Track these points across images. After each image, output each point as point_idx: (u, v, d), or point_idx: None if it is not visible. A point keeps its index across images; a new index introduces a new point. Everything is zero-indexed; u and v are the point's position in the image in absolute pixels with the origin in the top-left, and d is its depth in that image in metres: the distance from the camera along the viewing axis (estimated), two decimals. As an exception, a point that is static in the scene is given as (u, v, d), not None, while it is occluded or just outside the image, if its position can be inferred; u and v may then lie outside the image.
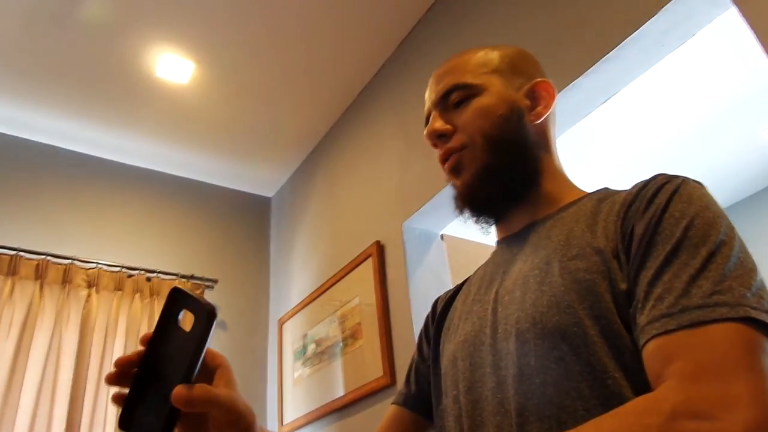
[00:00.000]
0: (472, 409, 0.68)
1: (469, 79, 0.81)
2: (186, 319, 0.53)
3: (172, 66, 2.56)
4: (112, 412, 2.41)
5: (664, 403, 0.48)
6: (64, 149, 2.98)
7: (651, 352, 0.53)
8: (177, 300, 0.53)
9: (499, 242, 0.86)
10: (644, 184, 0.66)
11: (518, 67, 0.84)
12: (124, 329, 2.61)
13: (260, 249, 3.36)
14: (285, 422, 2.68)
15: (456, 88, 0.81)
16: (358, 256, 2.43)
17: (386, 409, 0.89)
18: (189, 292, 0.53)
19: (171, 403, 0.48)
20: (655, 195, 0.63)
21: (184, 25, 2.38)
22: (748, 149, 3.43)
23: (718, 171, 3.51)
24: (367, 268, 2.34)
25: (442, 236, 2.33)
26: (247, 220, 3.40)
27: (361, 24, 2.44)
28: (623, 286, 0.60)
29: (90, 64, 2.51)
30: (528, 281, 0.69)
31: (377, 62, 2.64)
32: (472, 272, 0.91)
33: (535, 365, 0.62)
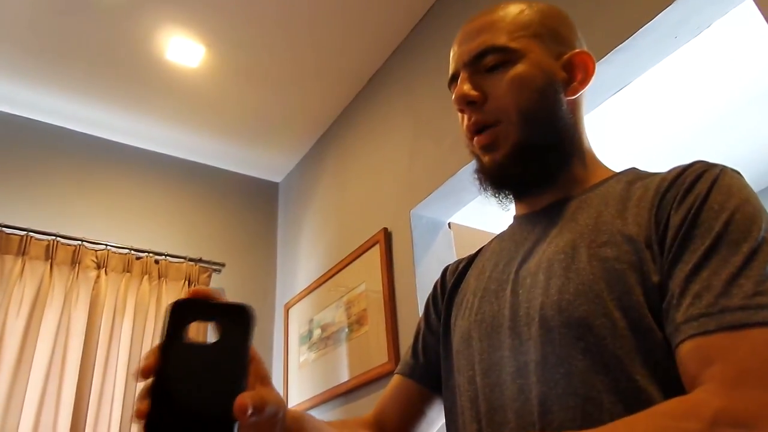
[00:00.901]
0: (490, 393, 0.65)
1: (507, 42, 0.73)
2: (200, 331, 0.47)
3: (183, 49, 2.56)
4: (120, 391, 2.45)
5: (705, 409, 0.46)
6: (74, 131, 2.99)
7: (687, 352, 0.51)
8: (186, 314, 0.47)
9: (517, 217, 0.81)
10: (681, 171, 0.63)
11: (559, 33, 0.77)
12: (132, 311, 2.63)
13: (268, 234, 3.38)
14: (289, 406, 2.70)
15: (492, 50, 0.73)
16: (365, 242, 2.44)
17: None
18: (204, 299, 0.48)
19: (228, 424, 0.43)
20: (693, 184, 0.60)
21: (194, 8, 2.38)
22: (761, 146, 3.40)
23: (734, 162, 3.48)
24: (374, 255, 2.35)
25: (449, 224, 2.33)
26: (256, 204, 3.42)
27: (372, 10, 2.43)
28: (655, 278, 0.57)
29: (100, 46, 2.51)
30: (553, 265, 0.65)
31: (387, 48, 2.63)
32: (479, 259, 0.87)
33: (560, 354, 0.59)
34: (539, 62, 0.73)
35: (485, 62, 0.73)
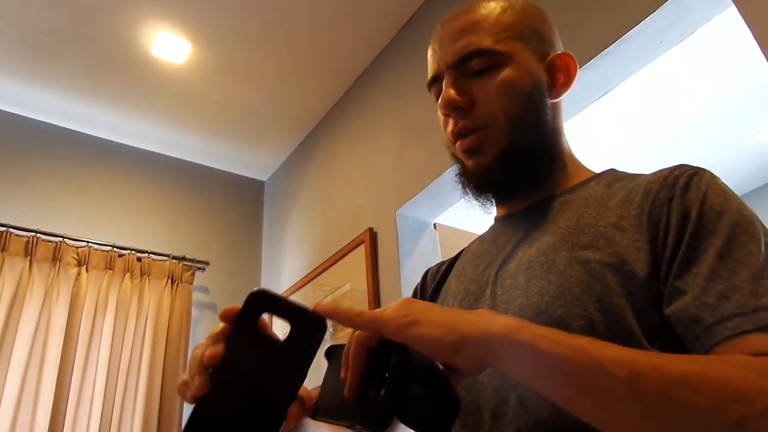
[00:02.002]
0: (465, 393, 0.65)
1: (493, 45, 0.71)
2: (268, 327, 0.48)
3: (168, 45, 2.53)
4: (100, 390, 2.42)
5: None
6: (57, 126, 2.95)
7: (727, 351, 0.50)
8: (262, 303, 0.48)
9: (498, 219, 0.81)
10: (669, 172, 0.63)
11: (542, 34, 0.76)
12: (114, 309, 2.60)
13: (253, 232, 3.36)
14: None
15: (478, 53, 0.71)
16: (350, 242, 2.43)
17: None
18: (284, 297, 0.48)
19: (274, 427, 0.45)
20: (687, 185, 0.60)
21: (181, 4, 2.35)
22: (742, 149, 3.45)
23: (713, 169, 3.52)
24: (360, 255, 2.34)
25: (435, 225, 2.34)
26: (241, 203, 3.40)
27: (360, 10, 2.43)
28: (643, 274, 0.57)
29: (84, 41, 2.48)
30: (533, 267, 0.65)
31: (375, 48, 2.63)
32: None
33: None
34: (526, 66, 0.72)
35: (471, 66, 0.72)
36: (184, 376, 0.49)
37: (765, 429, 0.42)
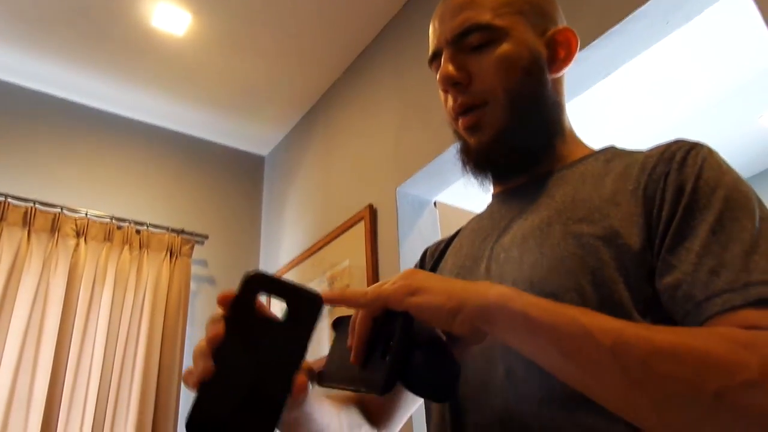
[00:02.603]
0: None
1: (491, 20, 0.71)
2: (265, 307, 0.49)
3: (169, 16, 2.50)
4: (98, 361, 2.43)
5: (763, 346, 0.44)
6: (56, 96, 2.92)
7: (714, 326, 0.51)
8: (258, 285, 0.49)
9: (495, 195, 0.82)
10: (666, 148, 0.63)
11: (542, 8, 0.76)
12: (112, 280, 2.61)
13: (252, 207, 3.35)
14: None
15: (476, 28, 0.71)
16: (350, 218, 2.43)
17: None
18: (279, 277, 0.49)
19: (281, 401, 0.46)
20: (684, 160, 0.60)
21: (182, -26, 2.32)
22: (745, 134, 3.43)
23: (723, 148, 3.51)
24: (359, 231, 2.34)
25: (435, 203, 2.33)
26: (241, 177, 3.39)
27: (364, -17, 2.39)
28: (637, 246, 0.57)
29: (83, 10, 2.45)
30: (527, 241, 0.66)
31: (378, 23, 2.60)
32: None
33: None
34: (525, 40, 0.72)
35: (469, 41, 0.72)
36: (191, 366, 0.50)
37: (745, 401, 0.43)
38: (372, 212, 2.32)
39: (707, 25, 2.47)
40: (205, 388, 0.46)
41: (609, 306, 0.56)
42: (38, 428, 2.21)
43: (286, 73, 2.87)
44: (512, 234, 0.69)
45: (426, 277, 0.54)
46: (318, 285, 2.52)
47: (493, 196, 0.83)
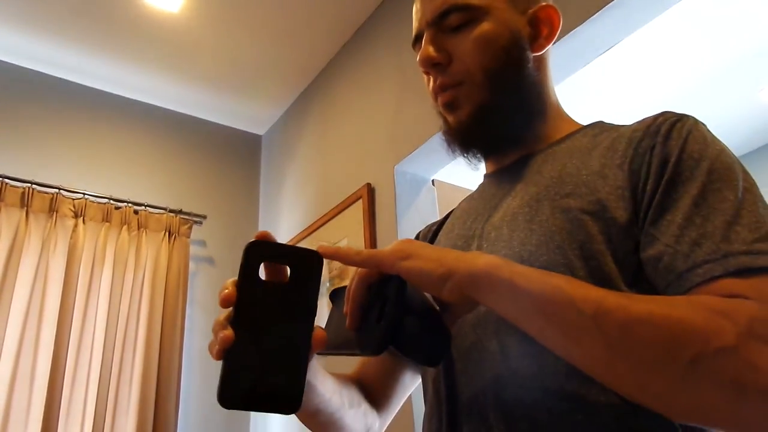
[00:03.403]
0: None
1: (472, 0, 0.71)
2: (273, 272, 0.52)
3: (163, -7, 2.46)
4: (100, 339, 2.45)
5: (742, 313, 0.45)
6: (51, 76, 2.89)
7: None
8: (259, 254, 0.51)
9: (486, 176, 0.82)
10: (652, 120, 0.63)
11: None
12: (112, 260, 2.61)
13: (250, 187, 3.35)
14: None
15: (455, 8, 0.72)
16: (348, 197, 2.43)
17: None
18: (277, 243, 0.52)
19: (304, 358, 0.49)
20: (669, 132, 0.60)
21: (175, -50, 2.27)
22: (745, 109, 3.41)
23: (714, 127, 3.50)
24: (357, 210, 2.34)
25: (433, 181, 2.33)
26: (238, 157, 3.37)
27: (360, -43, 2.35)
28: (623, 218, 0.58)
29: (76, -13, 2.41)
30: (517, 218, 0.67)
31: (375, 0, 2.56)
32: (461, 216, 0.89)
33: None
34: (504, 19, 0.72)
35: (449, 21, 0.72)
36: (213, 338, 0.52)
37: (719, 367, 0.44)
38: (370, 191, 2.31)
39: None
40: (229, 357, 0.48)
41: (598, 279, 0.57)
42: (41, 408, 2.23)
43: (283, 50, 2.84)
44: (502, 212, 0.70)
45: (420, 246, 0.56)
46: (317, 264, 2.52)
47: (484, 176, 0.83)
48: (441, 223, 0.87)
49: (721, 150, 0.59)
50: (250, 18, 2.63)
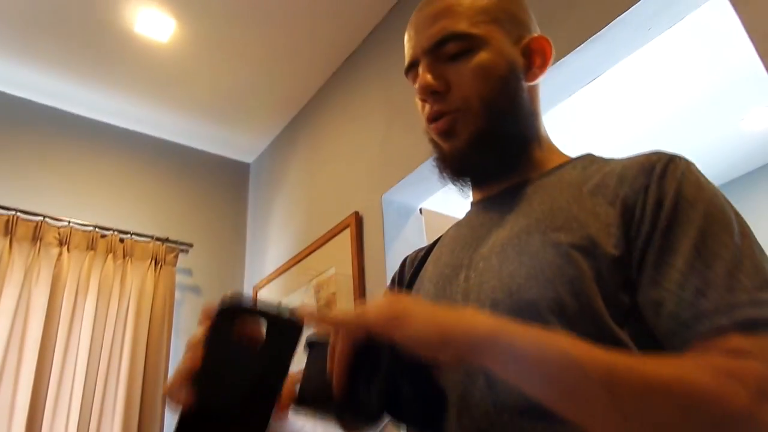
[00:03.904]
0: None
1: (468, 28, 0.72)
2: (245, 331, 0.49)
3: (152, 22, 2.48)
4: (81, 371, 2.40)
5: (750, 375, 0.46)
6: (39, 103, 2.89)
7: (703, 348, 0.51)
8: (234, 312, 0.48)
9: (475, 203, 0.82)
10: (645, 159, 0.63)
11: (516, 16, 0.77)
12: (96, 289, 2.57)
13: (237, 215, 3.33)
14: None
15: (452, 37, 0.72)
16: (335, 226, 2.42)
17: None
18: (255, 303, 0.49)
19: (262, 425, 0.47)
20: (663, 173, 0.60)
21: (165, -19, 2.30)
22: (727, 138, 3.47)
23: (697, 157, 3.55)
24: (345, 239, 2.33)
25: (420, 210, 2.33)
26: (226, 185, 3.36)
27: (348, -10, 2.39)
28: (615, 253, 0.58)
29: (66, 15, 2.42)
30: (506, 250, 0.66)
31: (364, 29, 2.60)
32: (449, 246, 0.88)
33: None
34: (501, 49, 0.73)
35: (446, 50, 0.72)
36: (170, 381, 0.51)
37: (736, 430, 0.45)
38: (358, 219, 2.31)
39: (688, 29, 2.50)
40: (184, 417, 0.46)
41: (587, 316, 0.57)
42: None
43: (272, 79, 2.86)
44: (491, 243, 0.70)
45: (411, 306, 0.53)
46: (304, 293, 2.51)
47: (472, 204, 0.83)
48: (429, 249, 0.87)
49: (716, 193, 0.59)
50: (239, 47, 2.66)
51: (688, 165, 0.62)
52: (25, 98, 2.85)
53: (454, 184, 0.78)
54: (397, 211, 2.25)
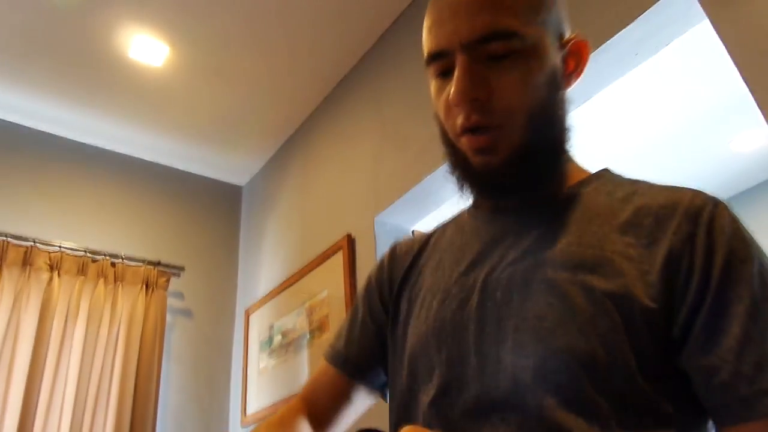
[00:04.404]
0: (449, 410, 0.61)
1: (520, 28, 0.62)
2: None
3: (146, 48, 2.50)
4: (70, 399, 2.36)
5: None
6: (30, 128, 2.89)
7: (763, 429, 0.49)
8: None
9: (482, 209, 0.74)
10: (688, 202, 0.58)
11: (560, 16, 0.69)
12: (86, 314, 2.55)
13: (230, 238, 3.32)
14: (248, 413, 2.66)
15: (501, 35, 0.61)
16: (328, 248, 2.42)
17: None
18: None
19: None
20: (711, 222, 0.56)
21: (159, 6, 2.33)
22: (717, 159, 3.51)
23: (687, 177, 3.59)
24: (337, 261, 2.33)
25: (413, 232, 2.34)
26: (218, 208, 3.36)
27: (340, 15, 2.42)
28: (649, 310, 0.54)
29: (59, 42, 2.44)
30: (529, 285, 0.60)
31: (357, 53, 2.63)
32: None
33: (533, 390, 0.55)
34: (548, 54, 0.64)
35: (489, 48, 0.61)
36: None
37: None
38: (350, 242, 2.32)
39: (675, 53, 2.54)
40: None
41: (618, 371, 0.53)
42: None
43: (264, 103, 2.88)
44: (510, 270, 0.63)
45: None
46: (297, 315, 2.49)
47: (477, 207, 0.75)
48: (422, 245, 0.79)
49: (760, 251, 0.56)
50: (232, 72, 2.68)
51: (732, 215, 0.57)
52: (16, 123, 2.85)
53: (477, 198, 0.71)
54: (389, 232, 2.25)
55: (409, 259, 0.78)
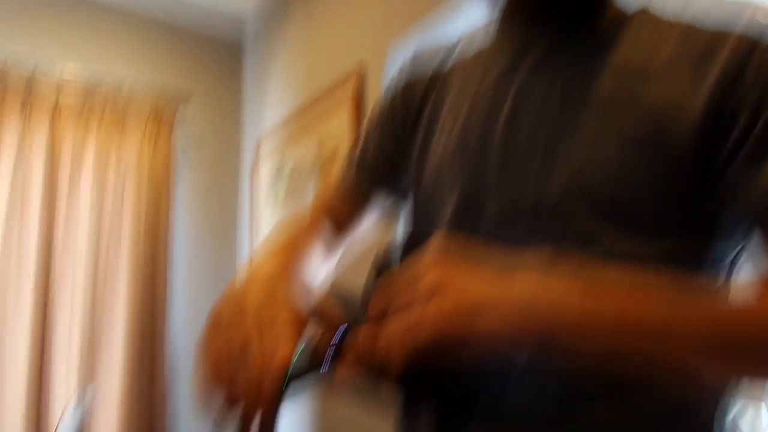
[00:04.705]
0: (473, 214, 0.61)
1: None
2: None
3: None
4: (83, 240, 2.42)
5: None
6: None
7: None
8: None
9: (509, 29, 0.68)
10: (742, 32, 0.54)
11: None
12: (93, 152, 2.51)
13: (234, 69, 3.17)
14: (257, 241, 2.76)
15: None
16: (338, 77, 2.30)
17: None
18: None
19: None
20: (764, 55, 0.52)
21: None
22: None
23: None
24: (347, 90, 2.24)
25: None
26: (222, 38, 3.16)
27: None
28: (699, 119, 0.52)
29: None
30: (559, 125, 0.57)
31: None
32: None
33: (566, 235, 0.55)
34: None
35: None
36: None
37: None
38: (361, 71, 2.21)
39: None
40: None
41: (651, 183, 0.53)
42: (29, 311, 2.24)
43: None
44: (535, 107, 0.60)
45: (469, 279, 0.49)
46: (306, 146, 2.46)
47: (502, 22, 0.70)
48: (446, 55, 0.75)
49: None
50: None
51: None
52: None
53: (507, 17, 0.67)
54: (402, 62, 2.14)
55: (434, 66, 0.75)
